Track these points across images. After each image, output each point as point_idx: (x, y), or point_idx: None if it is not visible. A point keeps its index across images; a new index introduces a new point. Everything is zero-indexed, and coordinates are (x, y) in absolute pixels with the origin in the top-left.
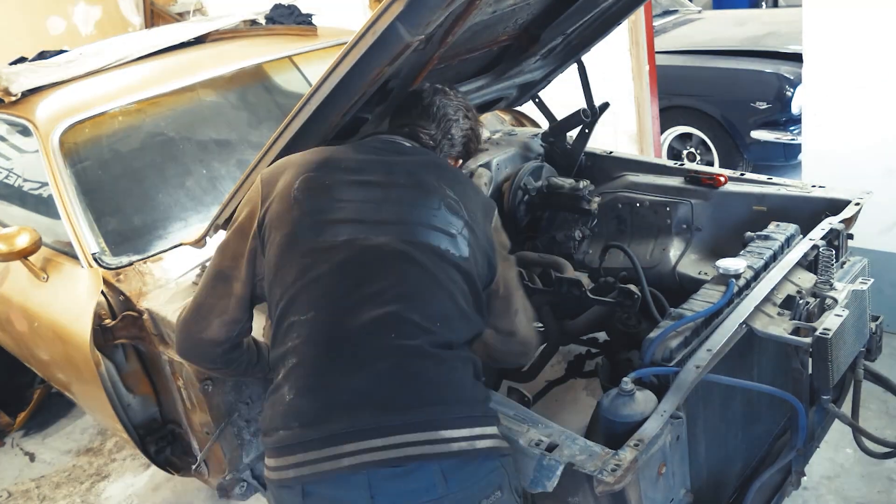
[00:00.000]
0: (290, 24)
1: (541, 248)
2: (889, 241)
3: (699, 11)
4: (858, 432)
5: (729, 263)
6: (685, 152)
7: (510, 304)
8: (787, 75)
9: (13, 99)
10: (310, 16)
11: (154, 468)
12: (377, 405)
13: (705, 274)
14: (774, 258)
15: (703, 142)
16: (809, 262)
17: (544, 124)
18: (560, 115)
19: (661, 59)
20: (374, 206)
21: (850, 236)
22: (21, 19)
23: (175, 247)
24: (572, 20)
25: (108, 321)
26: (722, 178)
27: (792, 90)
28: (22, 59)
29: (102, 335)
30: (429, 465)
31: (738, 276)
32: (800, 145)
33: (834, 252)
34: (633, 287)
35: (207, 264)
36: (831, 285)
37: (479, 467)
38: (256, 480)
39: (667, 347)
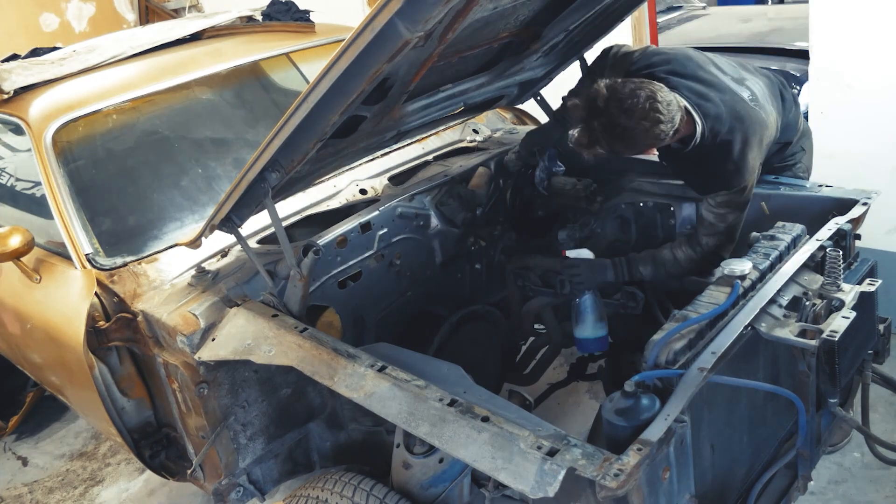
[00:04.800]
0: (287, 21)
1: (543, 248)
2: None
3: (704, 8)
4: (868, 437)
5: (734, 264)
6: None
7: None
8: (793, 72)
9: (5, 97)
10: (307, 12)
11: (149, 473)
12: None
13: (710, 275)
14: (780, 259)
15: None
16: (816, 263)
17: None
18: None
19: None
20: None
21: (858, 236)
22: (14, 16)
23: (170, 247)
24: (574, 17)
25: (101, 323)
26: None
27: (798, 88)
28: (14, 57)
29: (96, 337)
30: None
31: (743, 278)
32: None
33: (841, 253)
34: (636, 288)
35: None
36: (838, 286)
37: None
38: (253, 485)
39: (671, 350)
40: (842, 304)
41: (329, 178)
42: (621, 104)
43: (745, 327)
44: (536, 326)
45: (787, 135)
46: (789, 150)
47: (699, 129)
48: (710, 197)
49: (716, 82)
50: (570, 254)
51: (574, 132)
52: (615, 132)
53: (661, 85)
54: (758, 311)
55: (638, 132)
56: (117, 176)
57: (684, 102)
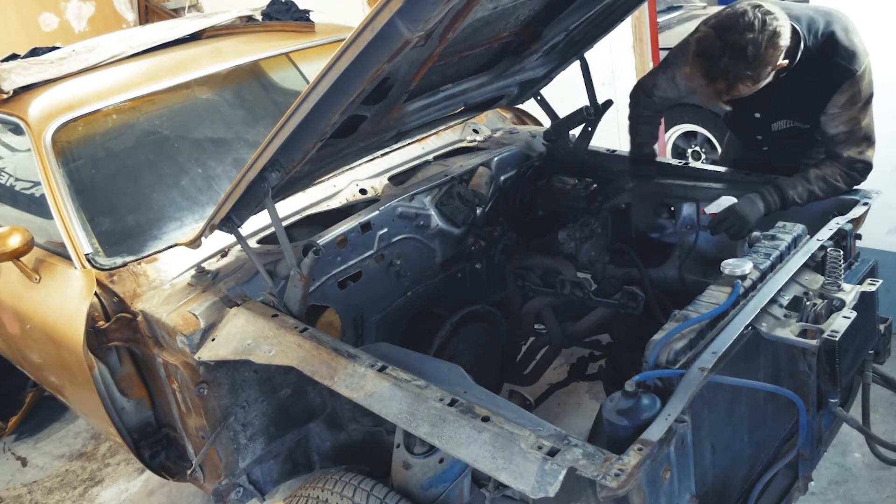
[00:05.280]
0: (286, 21)
1: (543, 248)
2: None
3: (704, 7)
4: (869, 437)
5: (735, 264)
6: (690, 150)
7: None
8: None
9: (5, 97)
10: (307, 12)
11: (148, 473)
12: None
13: (711, 275)
14: (781, 259)
15: (708, 140)
16: (817, 263)
17: (546, 122)
18: (562, 112)
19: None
20: None
21: (858, 236)
22: (13, 15)
23: (170, 247)
24: (575, 16)
25: (101, 323)
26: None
27: None
28: (14, 56)
29: (96, 337)
30: None
31: (743, 278)
32: None
33: (842, 252)
34: (636, 288)
35: None
36: (839, 286)
37: None
38: (253, 485)
39: (671, 350)
40: (842, 303)
41: (329, 177)
42: (736, 28)
43: (746, 327)
44: (536, 326)
45: None
46: None
47: (802, 31)
48: (833, 101)
49: (791, 5)
50: (711, 208)
51: (702, 91)
52: (746, 56)
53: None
54: (758, 310)
55: (766, 41)
56: (117, 176)
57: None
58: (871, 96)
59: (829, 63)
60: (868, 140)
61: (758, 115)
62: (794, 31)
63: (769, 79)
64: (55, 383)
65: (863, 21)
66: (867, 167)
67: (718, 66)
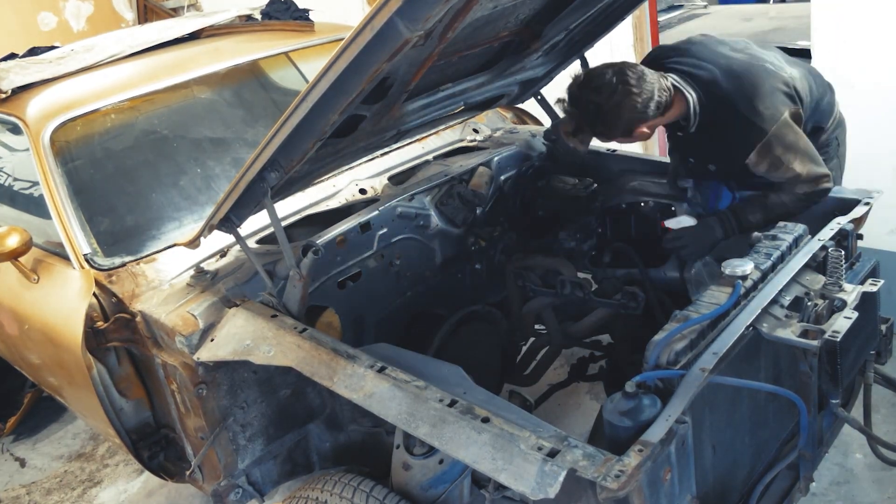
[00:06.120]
0: (286, 20)
1: (543, 248)
2: None
3: (705, 7)
4: (870, 438)
5: (736, 264)
6: None
7: None
8: None
9: (3, 96)
10: (306, 11)
11: (147, 474)
12: None
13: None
14: (782, 259)
15: None
16: (818, 263)
17: (546, 122)
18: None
19: None
20: None
21: (860, 236)
22: (11, 15)
23: (169, 247)
24: (575, 16)
25: (100, 324)
26: None
27: None
28: (12, 56)
29: (94, 338)
30: None
31: (744, 278)
32: None
33: (843, 253)
34: (637, 288)
35: None
36: (840, 287)
37: None
38: (252, 486)
39: (672, 350)
40: (844, 304)
41: (328, 177)
42: (590, 83)
43: (747, 327)
44: (537, 327)
45: (819, 118)
46: (823, 139)
47: (691, 99)
48: (751, 161)
49: (713, 55)
50: (671, 223)
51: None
52: (591, 112)
53: (636, 63)
54: (759, 311)
55: (611, 107)
56: (116, 176)
57: (670, 80)
58: (794, 142)
59: (729, 128)
60: (813, 174)
61: (691, 159)
62: (683, 95)
63: (641, 138)
64: (54, 384)
65: (861, 20)
66: (826, 191)
67: (571, 110)
